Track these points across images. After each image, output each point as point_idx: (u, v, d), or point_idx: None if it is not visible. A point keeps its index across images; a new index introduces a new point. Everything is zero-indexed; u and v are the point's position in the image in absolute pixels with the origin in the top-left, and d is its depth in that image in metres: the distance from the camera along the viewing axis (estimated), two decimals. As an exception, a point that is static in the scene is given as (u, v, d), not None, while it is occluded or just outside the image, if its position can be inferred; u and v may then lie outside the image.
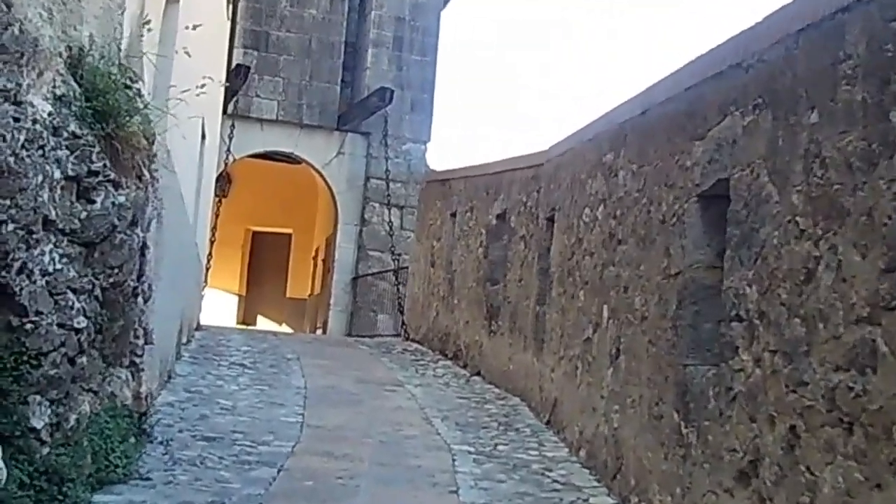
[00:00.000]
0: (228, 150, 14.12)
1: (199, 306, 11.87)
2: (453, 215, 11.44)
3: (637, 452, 4.78)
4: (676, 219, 4.47)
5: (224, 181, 19.97)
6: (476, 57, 39.36)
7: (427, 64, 16.24)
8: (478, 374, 9.69)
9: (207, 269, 13.07)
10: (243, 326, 19.73)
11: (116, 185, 4.14)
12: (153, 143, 4.58)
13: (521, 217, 8.89)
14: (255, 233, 20.55)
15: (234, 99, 14.53)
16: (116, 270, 4.16)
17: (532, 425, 7.01)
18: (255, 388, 7.57)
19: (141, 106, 4.45)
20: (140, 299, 4.75)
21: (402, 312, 13.59)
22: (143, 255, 4.49)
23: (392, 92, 14.41)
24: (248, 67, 14.01)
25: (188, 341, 9.63)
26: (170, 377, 7.40)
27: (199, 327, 11.29)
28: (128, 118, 4.20)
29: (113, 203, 4.09)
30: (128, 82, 4.52)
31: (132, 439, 4.69)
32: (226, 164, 13.97)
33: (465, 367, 10.19)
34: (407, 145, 16.08)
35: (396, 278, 14.37)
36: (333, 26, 15.91)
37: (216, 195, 20.11)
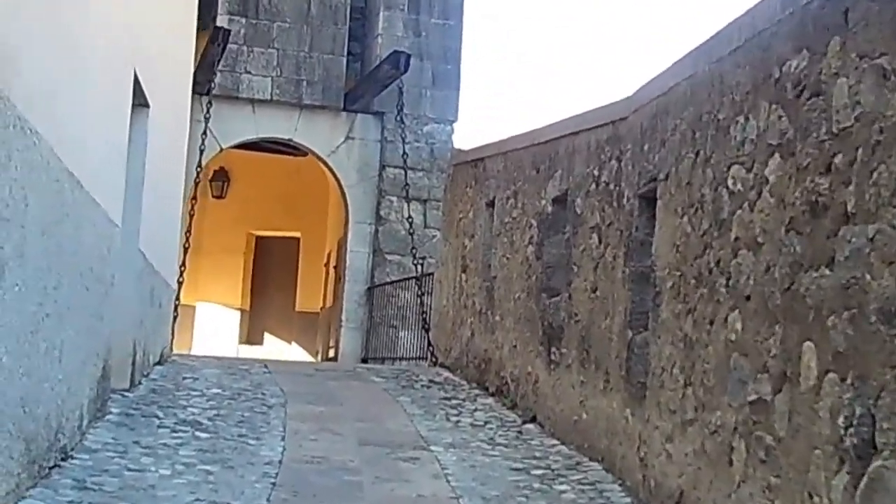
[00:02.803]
0: (204, 133, 11.44)
1: (166, 332, 9.24)
2: (490, 205, 8.73)
3: None
4: None
5: (221, 180, 17.53)
6: (512, 25, 35.74)
7: (451, 29, 13.54)
8: (533, 419, 6.98)
9: (180, 284, 10.42)
10: (247, 346, 17.22)
11: None
12: None
13: (592, 198, 6.17)
14: (258, 238, 17.97)
15: (214, 73, 11.86)
16: None
17: (639, 531, 4.28)
18: (198, 471, 4.87)
19: None
20: None
21: (426, 330, 10.89)
22: None
23: (408, 57, 11.70)
24: (228, 31, 11.35)
25: (134, 385, 6.99)
26: (65, 458, 4.74)
27: (161, 361, 8.65)
28: None
29: None
30: None
31: None
32: (201, 153, 11.28)
33: (513, 407, 7.48)
34: (429, 126, 13.39)
35: (420, 288, 11.65)
36: (337, -14, 13.25)
37: (213, 195, 17.66)
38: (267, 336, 17.72)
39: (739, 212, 3.64)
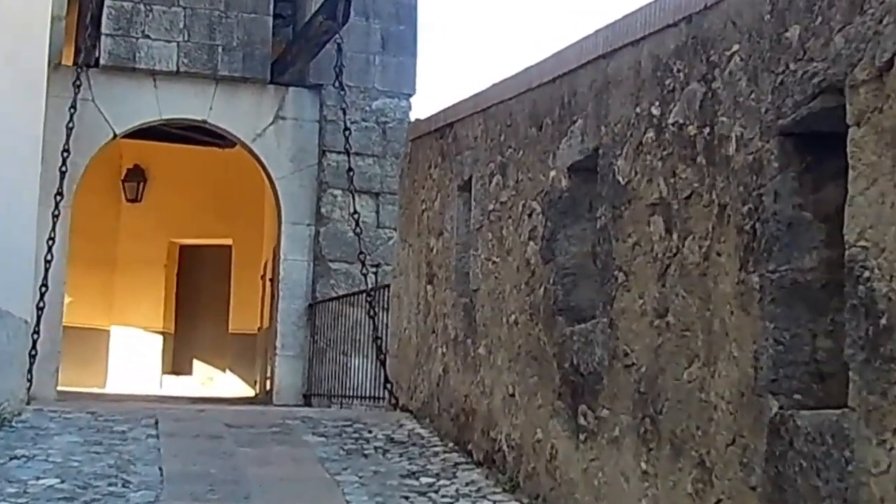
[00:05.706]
0: (73, 107, 8.70)
1: (11, 381, 6.54)
2: (465, 187, 6.16)
3: None
4: None
5: (137, 179, 14.94)
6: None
7: (403, -19, 10.97)
8: (548, 516, 4.41)
9: (40, 311, 7.70)
10: (172, 377, 14.55)
11: None
12: None
13: (650, 156, 3.64)
14: (183, 247, 15.28)
15: (87, 31, 9.14)
16: None
17: None
18: None
19: None
20: None
21: (382, 362, 8.29)
22: None
23: (347, 3, 9.07)
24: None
25: None
26: None
27: (6, 422, 5.94)
28: None
29: None
30: None
31: None
32: (68, 133, 8.54)
33: (513, 490, 4.90)
34: (379, 101, 10.79)
35: (371, 305, 9.03)
36: (259, -72, 10.61)
37: (127, 199, 15.00)
38: (196, 364, 15.02)
39: None
